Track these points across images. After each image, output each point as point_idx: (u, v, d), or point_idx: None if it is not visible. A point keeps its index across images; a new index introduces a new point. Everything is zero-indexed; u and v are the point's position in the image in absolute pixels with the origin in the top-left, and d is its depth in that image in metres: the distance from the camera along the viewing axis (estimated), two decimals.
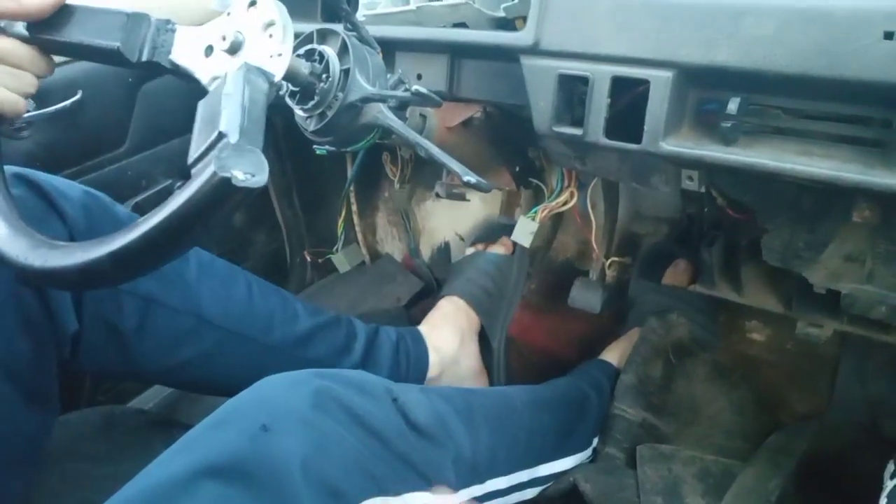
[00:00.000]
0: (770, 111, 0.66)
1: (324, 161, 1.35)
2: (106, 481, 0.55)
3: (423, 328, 1.05)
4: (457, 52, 0.84)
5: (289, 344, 0.86)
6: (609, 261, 1.20)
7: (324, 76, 0.67)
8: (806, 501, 0.90)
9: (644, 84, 0.66)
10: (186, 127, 0.49)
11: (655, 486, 0.87)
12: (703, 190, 0.76)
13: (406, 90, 0.70)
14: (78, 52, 0.62)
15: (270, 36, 0.57)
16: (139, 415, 0.93)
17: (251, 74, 0.53)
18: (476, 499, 0.76)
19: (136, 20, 0.60)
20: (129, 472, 0.54)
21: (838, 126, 0.63)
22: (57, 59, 0.65)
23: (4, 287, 0.65)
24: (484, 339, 1.12)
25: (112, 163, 1.04)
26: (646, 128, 0.67)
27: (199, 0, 0.91)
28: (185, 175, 0.45)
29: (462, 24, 0.82)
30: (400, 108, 0.74)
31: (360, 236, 1.49)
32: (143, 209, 1.03)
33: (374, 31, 0.73)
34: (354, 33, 0.69)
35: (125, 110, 1.05)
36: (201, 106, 0.51)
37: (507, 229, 1.17)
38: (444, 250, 1.44)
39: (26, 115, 0.65)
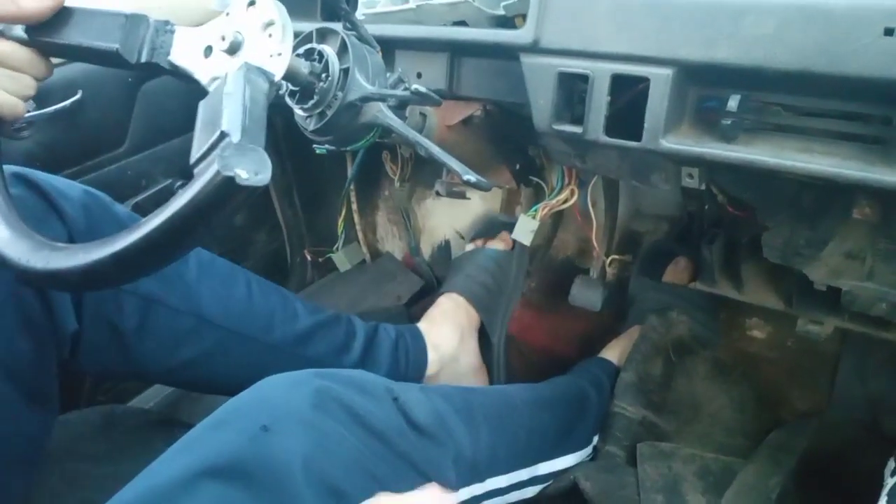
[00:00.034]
0: (770, 108, 0.66)
1: (324, 160, 1.35)
2: (106, 481, 0.55)
3: (423, 325, 1.05)
4: (456, 51, 0.84)
5: (289, 342, 0.86)
6: (609, 259, 1.20)
7: (323, 75, 0.67)
8: (806, 499, 0.90)
9: (644, 82, 0.66)
10: (186, 126, 0.49)
11: (656, 483, 0.87)
12: (703, 187, 0.76)
13: (406, 89, 0.70)
14: (77, 54, 0.62)
15: (270, 35, 0.57)
16: (140, 414, 0.93)
17: (251, 74, 0.53)
18: (476, 497, 0.76)
19: (134, 21, 0.60)
20: (129, 472, 0.54)
21: (838, 123, 0.63)
22: (56, 59, 0.65)
23: (4, 287, 0.65)
24: (484, 335, 1.12)
25: (112, 163, 1.04)
26: (646, 125, 0.67)
27: (197, 0, 0.91)
28: (185, 175, 0.45)
29: (462, 23, 0.82)
30: (399, 106, 0.74)
31: (360, 235, 1.49)
32: (143, 209, 1.03)
33: (374, 29, 0.73)
34: (354, 32, 0.69)
35: (125, 110, 1.05)
36: (202, 106, 0.50)
37: (508, 227, 1.17)
38: (444, 248, 1.44)
39: (26, 115, 0.65)
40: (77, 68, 0.95)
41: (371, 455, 0.61)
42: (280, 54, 0.56)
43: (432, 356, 1.01)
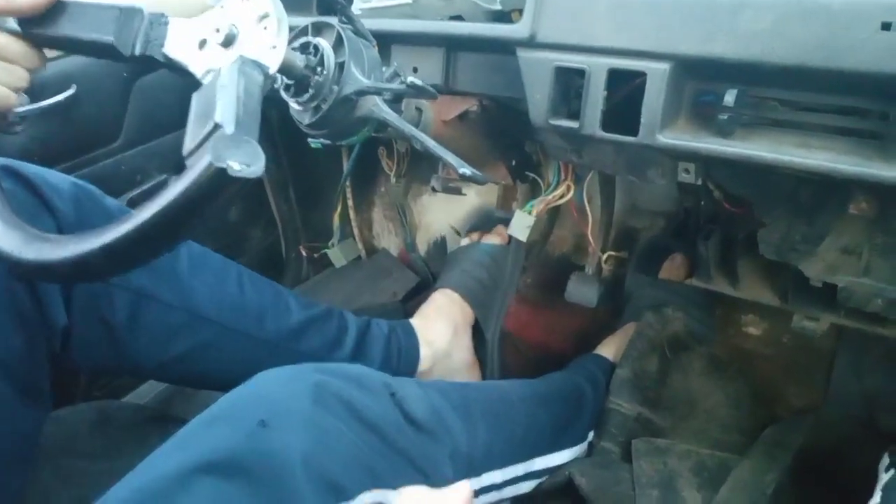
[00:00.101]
0: (767, 103, 0.66)
1: (320, 155, 1.34)
2: (101, 477, 0.55)
3: (416, 321, 1.05)
4: (453, 45, 0.83)
5: (281, 337, 0.86)
6: (605, 255, 1.20)
7: (319, 69, 0.66)
8: (802, 495, 0.90)
9: (641, 76, 0.66)
10: (181, 122, 0.49)
11: (651, 479, 0.87)
12: (699, 183, 0.76)
13: (402, 83, 0.70)
14: (71, 46, 0.62)
15: (265, 28, 0.56)
16: (134, 410, 0.93)
17: (246, 67, 0.53)
18: (472, 493, 0.76)
19: (129, 14, 0.60)
20: (124, 468, 0.53)
21: (836, 118, 0.63)
22: (51, 53, 0.64)
23: None
24: (478, 331, 1.12)
25: (106, 157, 1.03)
26: (642, 120, 0.67)
27: None
28: (180, 170, 0.45)
29: (458, 17, 0.82)
30: (395, 101, 0.74)
31: (356, 231, 1.48)
32: (137, 204, 1.02)
33: (370, 24, 0.73)
34: (350, 26, 0.69)
35: (120, 105, 1.04)
36: (196, 98, 0.50)
37: (504, 222, 1.17)
38: (440, 245, 1.44)
39: (20, 109, 0.64)
40: (72, 62, 0.94)
41: (369, 450, 0.61)
42: (275, 47, 0.56)
43: (425, 352, 1.01)
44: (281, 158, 1.38)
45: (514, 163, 1.09)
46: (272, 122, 1.31)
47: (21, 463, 0.69)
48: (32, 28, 0.60)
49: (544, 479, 0.88)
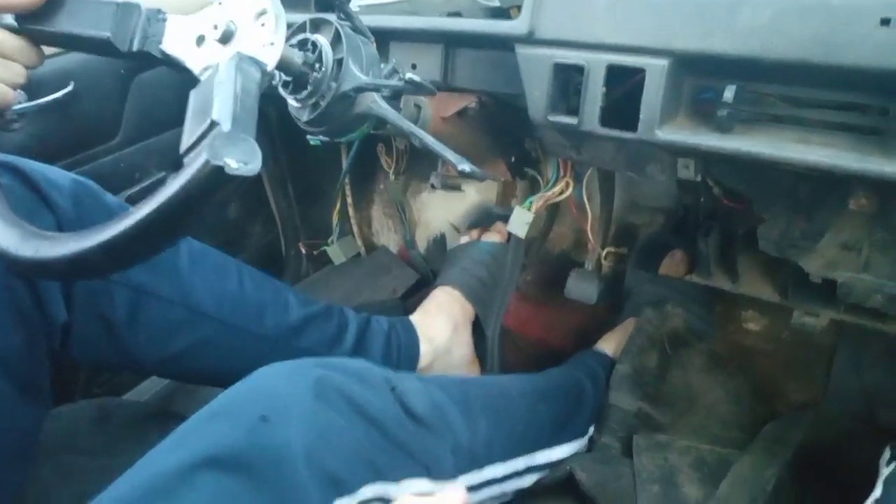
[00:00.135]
0: (766, 99, 0.66)
1: (318, 152, 1.34)
2: (102, 474, 0.55)
3: (416, 318, 1.05)
4: (451, 42, 0.83)
5: (281, 334, 0.86)
6: (605, 251, 1.20)
7: (317, 66, 0.66)
8: (801, 491, 0.90)
9: (640, 72, 0.66)
10: (180, 119, 0.49)
11: (651, 475, 0.87)
12: (699, 179, 0.76)
13: (400, 79, 0.69)
14: (68, 42, 0.62)
15: (263, 25, 0.56)
16: (135, 407, 0.93)
17: (243, 63, 0.53)
18: (473, 486, 0.76)
19: (126, 10, 0.60)
20: (125, 465, 0.53)
21: (835, 114, 0.63)
22: (49, 50, 0.64)
23: None
24: (478, 328, 1.12)
25: (105, 155, 1.03)
26: (641, 116, 0.67)
27: None
28: (178, 167, 0.45)
29: (456, 14, 0.82)
30: (394, 97, 0.74)
31: (355, 228, 1.48)
32: (135, 201, 1.02)
33: (368, 20, 0.73)
34: (348, 23, 0.69)
35: (118, 102, 1.04)
36: (193, 95, 0.50)
37: (503, 219, 1.17)
38: (439, 242, 1.43)
39: (18, 106, 0.64)
40: (70, 59, 0.94)
41: (370, 445, 0.61)
42: (273, 44, 0.56)
43: (425, 348, 1.01)
44: (280, 156, 1.38)
45: (513, 159, 1.09)
46: (271, 120, 1.31)
47: (21, 460, 0.69)
48: (30, 24, 0.60)
49: (545, 473, 0.88)
